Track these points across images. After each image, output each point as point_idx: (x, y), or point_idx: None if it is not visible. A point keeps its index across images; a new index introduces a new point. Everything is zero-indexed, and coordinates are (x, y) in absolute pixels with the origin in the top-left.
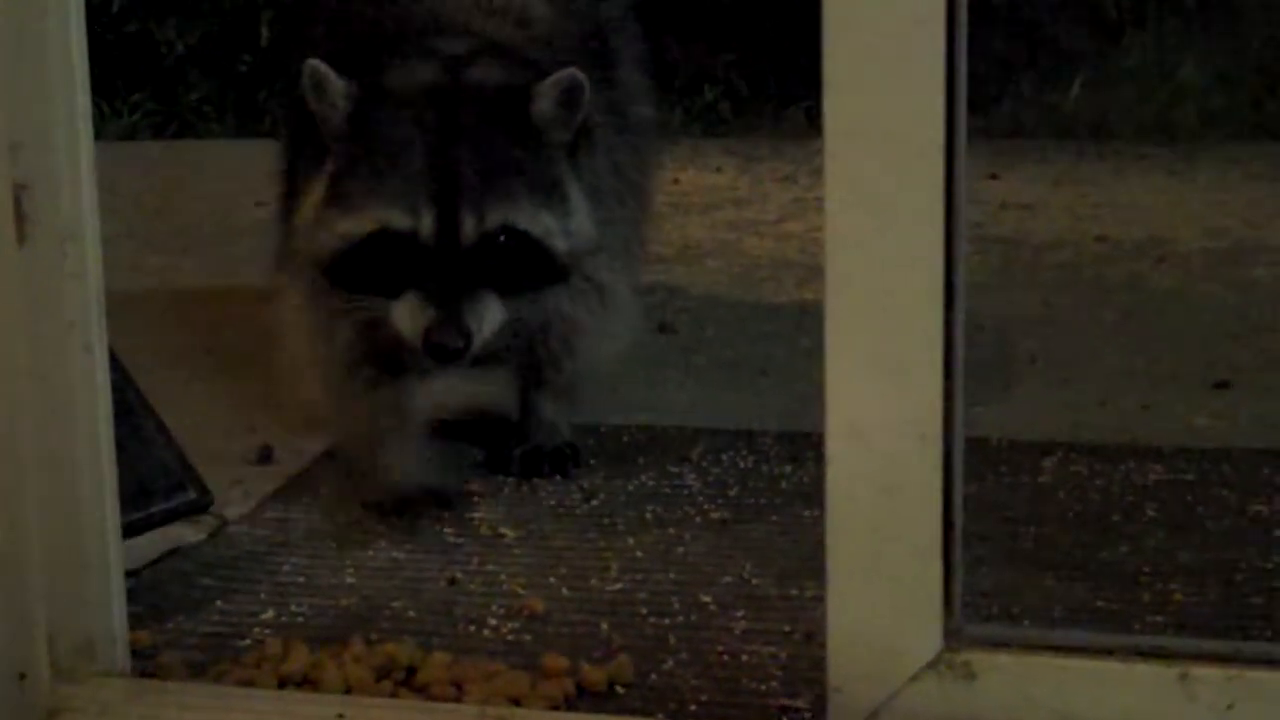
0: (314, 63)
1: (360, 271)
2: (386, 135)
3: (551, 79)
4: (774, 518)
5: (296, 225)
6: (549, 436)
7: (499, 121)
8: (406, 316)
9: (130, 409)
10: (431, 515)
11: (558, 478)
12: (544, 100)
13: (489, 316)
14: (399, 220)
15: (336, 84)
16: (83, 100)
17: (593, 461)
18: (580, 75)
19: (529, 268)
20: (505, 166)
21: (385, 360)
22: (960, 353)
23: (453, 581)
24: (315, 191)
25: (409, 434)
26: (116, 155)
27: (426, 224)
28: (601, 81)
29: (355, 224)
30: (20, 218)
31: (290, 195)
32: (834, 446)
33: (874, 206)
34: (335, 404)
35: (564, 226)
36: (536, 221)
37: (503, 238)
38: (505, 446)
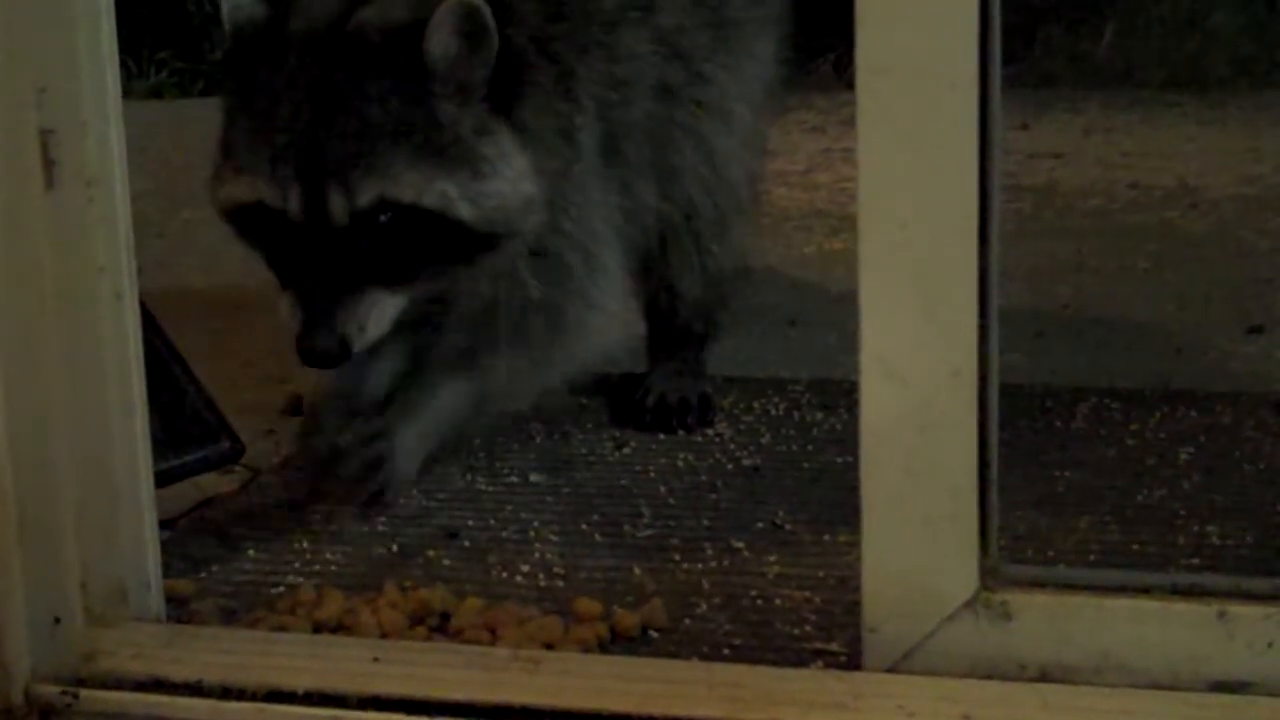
0: None
1: (253, 244)
2: (261, 89)
3: (440, 11)
4: (805, 464)
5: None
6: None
7: (386, 71)
8: (286, 315)
9: (161, 358)
10: (360, 509)
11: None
12: (438, 39)
13: (375, 314)
14: (270, 196)
15: (230, 11)
16: (108, 45)
17: None
18: (477, 1)
19: (430, 245)
20: (386, 129)
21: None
22: (995, 289)
23: (485, 529)
24: (218, 137)
25: (355, 413)
26: (144, 114)
27: (294, 203)
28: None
29: (239, 189)
30: (48, 162)
31: None
32: (868, 385)
33: (906, 142)
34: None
35: (472, 190)
36: (428, 190)
37: (384, 216)
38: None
